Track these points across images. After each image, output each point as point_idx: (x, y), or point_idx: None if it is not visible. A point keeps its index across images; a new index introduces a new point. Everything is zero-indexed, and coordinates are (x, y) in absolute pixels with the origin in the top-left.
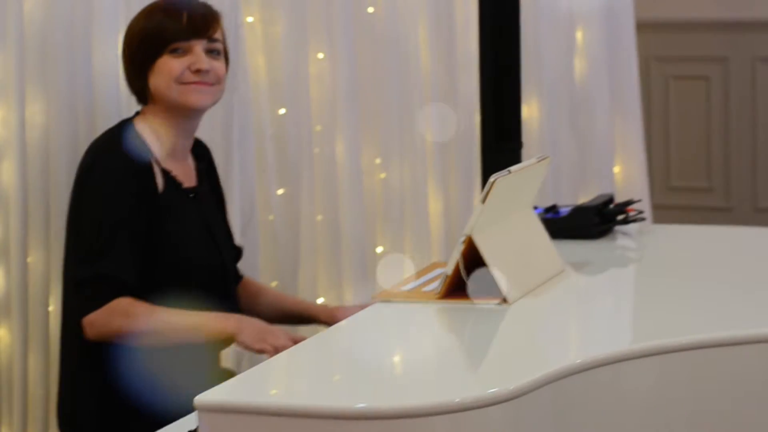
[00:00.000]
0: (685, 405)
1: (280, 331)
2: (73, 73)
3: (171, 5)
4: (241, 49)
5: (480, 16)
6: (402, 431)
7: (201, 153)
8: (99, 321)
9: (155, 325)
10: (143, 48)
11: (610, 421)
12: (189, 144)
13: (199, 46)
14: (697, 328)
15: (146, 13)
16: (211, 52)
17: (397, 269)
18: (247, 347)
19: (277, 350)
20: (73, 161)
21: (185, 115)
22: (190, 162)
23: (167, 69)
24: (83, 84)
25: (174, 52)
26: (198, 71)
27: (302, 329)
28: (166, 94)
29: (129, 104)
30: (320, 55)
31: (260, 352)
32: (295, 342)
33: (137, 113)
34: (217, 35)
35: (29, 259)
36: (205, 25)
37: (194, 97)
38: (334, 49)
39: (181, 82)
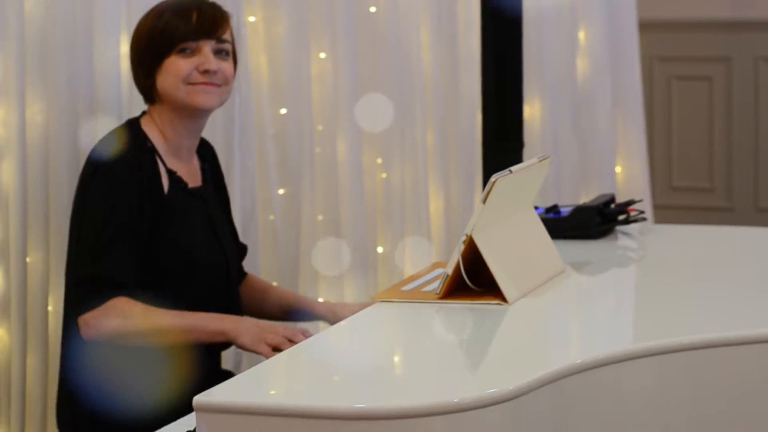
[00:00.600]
0: (685, 405)
1: (279, 328)
2: (73, 73)
3: (180, 5)
4: (243, 48)
5: (482, 16)
6: (401, 431)
7: (206, 153)
8: (94, 321)
9: (151, 326)
10: (151, 47)
11: (610, 421)
12: (195, 144)
13: (207, 47)
14: (697, 328)
15: (155, 13)
16: (219, 53)
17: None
18: (245, 348)
19: (274, 350)
20: (74, 161)
21: (192, 115)
22: (195, 162)
23: (175, 69)
24: (84, 84)
25: (182, 52)
26: (206, 72)
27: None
28: (173, 94)
29: (130, 104)
30: (322, 55)
31: (258, 352)
32: (295, 338)
33: (143, 113)
34: (226, 36)
35: (29, 260)
36: (215, 25)
37: (202, 97)
38: (336, 49)
39: (188, 82)
